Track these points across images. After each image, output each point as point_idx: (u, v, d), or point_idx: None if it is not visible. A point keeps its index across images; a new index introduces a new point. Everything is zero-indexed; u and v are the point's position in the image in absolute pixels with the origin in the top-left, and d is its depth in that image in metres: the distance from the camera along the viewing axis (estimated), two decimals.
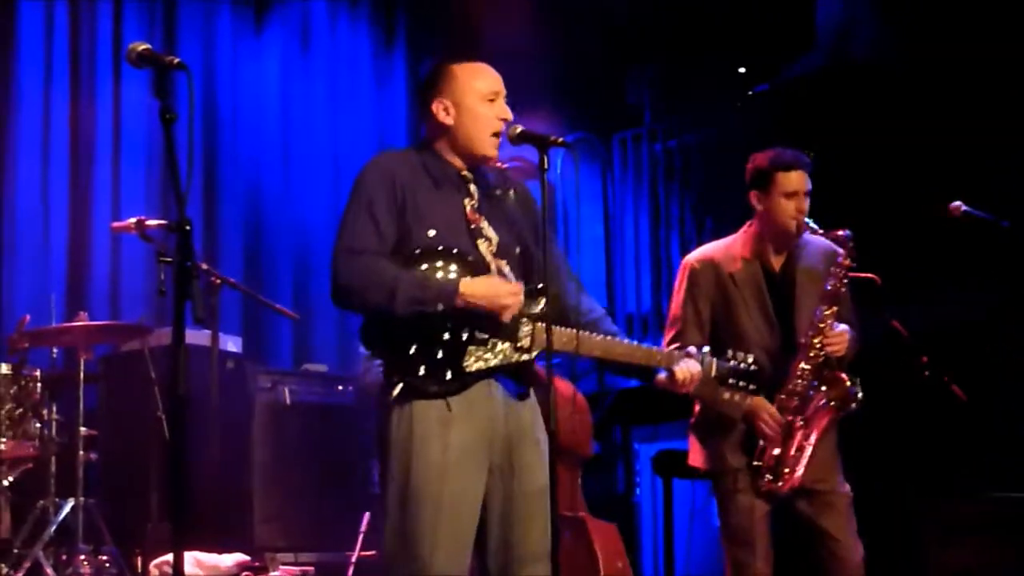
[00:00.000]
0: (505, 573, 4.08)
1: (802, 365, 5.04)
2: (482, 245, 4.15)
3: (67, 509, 6.54)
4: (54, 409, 6.78)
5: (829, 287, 5.07)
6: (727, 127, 9.33)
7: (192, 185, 3.47)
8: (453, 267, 4.05)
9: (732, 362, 4.40)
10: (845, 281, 5.08)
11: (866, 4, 8.40)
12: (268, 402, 7.38)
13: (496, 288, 4.01)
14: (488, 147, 4.20)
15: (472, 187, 4.22)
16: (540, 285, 4.11)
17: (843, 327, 5.07)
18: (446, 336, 3.99)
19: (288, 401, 7.42)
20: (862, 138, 5.39)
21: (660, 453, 6.41)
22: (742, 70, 9.40)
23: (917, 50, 7.90)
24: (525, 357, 4.09)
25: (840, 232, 5.06)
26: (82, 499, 6.58)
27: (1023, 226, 5.50)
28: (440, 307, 3.95)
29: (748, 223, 5.29)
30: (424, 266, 4.03)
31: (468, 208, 4.18)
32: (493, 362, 4.05)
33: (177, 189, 3.42)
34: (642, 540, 8.20)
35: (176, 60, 3.52)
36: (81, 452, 6.67)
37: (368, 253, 4.02)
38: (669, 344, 5.14)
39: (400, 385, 3.98)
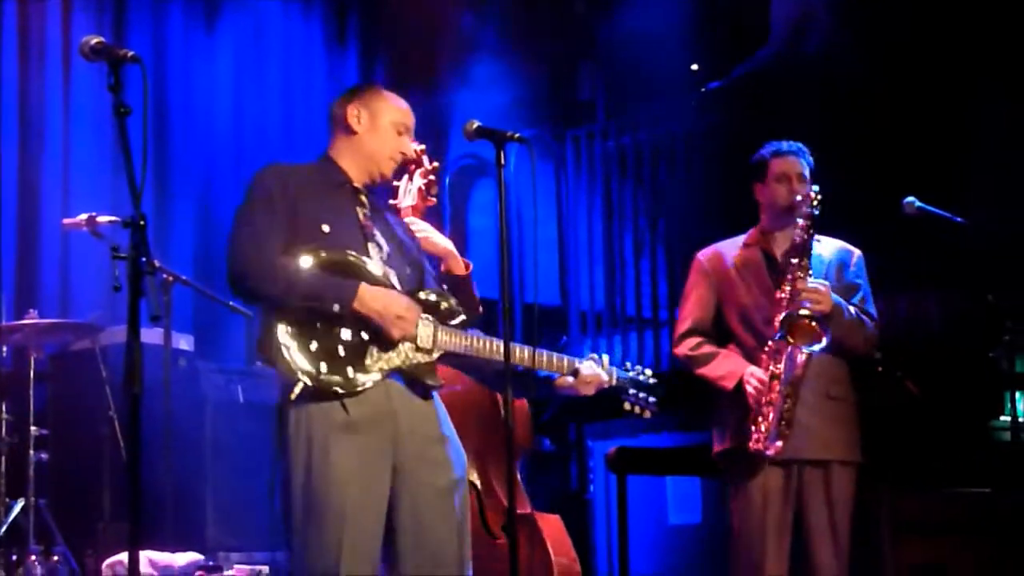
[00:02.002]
0: (420, 574, 4.04)
1: (778, 319, 5.05)
2: (372, 250, 4.17)
3: (17, 509, 6.48)
4: (3, 408, 6.71)
5: (796, 239, 5.11)
6: (680, 124, 9.36)
7: (144, 181, 3.44)
8: (347, 264, 4.07)
9: (631, 373, 4.46)
10: (811, 232, 5.09)
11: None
12: (221, 400, 7.33)
13: (393, 300, 4.03)
14: (386, 166, 4.28)
15: (363, 198, 4.27)
16: (443, 287, 4.25)
17: (822, 282, 5.08)
18: (347, 336, 3.99)
19: (241, 399, 7.38)
20: (816, 134, 5.42)
21: (614, 450, 6.41)
22: (695, 67, 9.43)
23: (871, 44, 7.94)
24: (426, 358, 4.10)
25: (811, 187, 5.15)
26: (32, 499, 6.52)
27: (980, 222, 5.54)
28: (337, 307, 3.95)
29: (758, 225, 5.39)
30: (317, 259, 4.02)
31: (360, 215, 4.22)
32: (395, 362, 4.05)
33: (131, 185, 3.39)
34: (595, 537, 8.20)
35: (130, 53, 3.51)
36: (31, 452, 6.61)
37: (267, 246, 4.03)
38: (682, 335, 5.32)
39: (300, 385, 3.95)
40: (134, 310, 3.37)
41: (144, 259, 3.37)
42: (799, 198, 5.14)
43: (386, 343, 4.02)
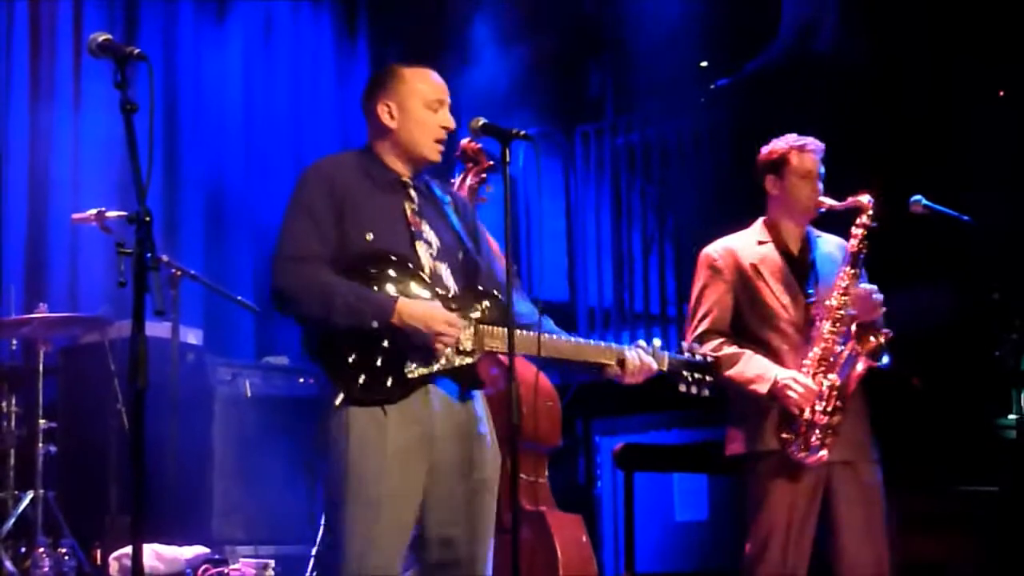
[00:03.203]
0: (448, 572, 4.08)
1: (827, 328, 5.01)
2: (421, 248, 4.13)
3: (26, 502, 6.52)
4: (13, 401, 6.75)
5: (849, 247, 5.08)
6: (689, 121, 9.37)
7: (153, 176, 3.45)
8: (391, 271, 4.04)
9: (686, 355, 4.40)
10: (866, 242, 5.06)
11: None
12: (228, 395, 7.36)
13: (433, 314, 3.98)
14: (430, 152, 4.20)
15: (412, 192, 4.22)
16: (480, 287, 4.14)
17: (871, 287, 5.04)
18: (386, 343, 3.98)
19: (249, 394, 7.40)
20: (824, 131, 5.40)
21: (622, 446, 6.42)
22: (704, 64, 9.43)
23: (880, 44, 7.93)
24: (468, 360, 4.09)
25: (862, 196, 5.10)
26: (41, 492, 6.55)
27: (987, 222, 5.53)
28: (375, 324, 3.94)
29: (763, 217, 5.31)
30: (362, 270, 4.02)
31: (408, 211, 4.17)
32: (435, 367, 4.04)
33: (138, 180, 3.41)
34: (603, 534, 8.21)
35: (137, 51, 3.51)
36: (40, 445, 6.64)
37: (309, 260, 4.01)
38: (701, 336, 5.15)
39: (340, 396, 3.97)
40: (139, 305, 3.39)
41: (149, 255, 3.38)
42: (821, 200, 5.11)
43: (426, 352, 4.00)
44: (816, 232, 5.27)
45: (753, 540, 5.12)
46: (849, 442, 5.07)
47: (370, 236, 4.05)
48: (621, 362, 4.26)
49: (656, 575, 7.49)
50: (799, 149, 5.18)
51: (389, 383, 3.97)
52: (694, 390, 4.41)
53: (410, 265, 4.07)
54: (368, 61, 9.90)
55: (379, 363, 3.98)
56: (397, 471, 3.97)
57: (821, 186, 5.17)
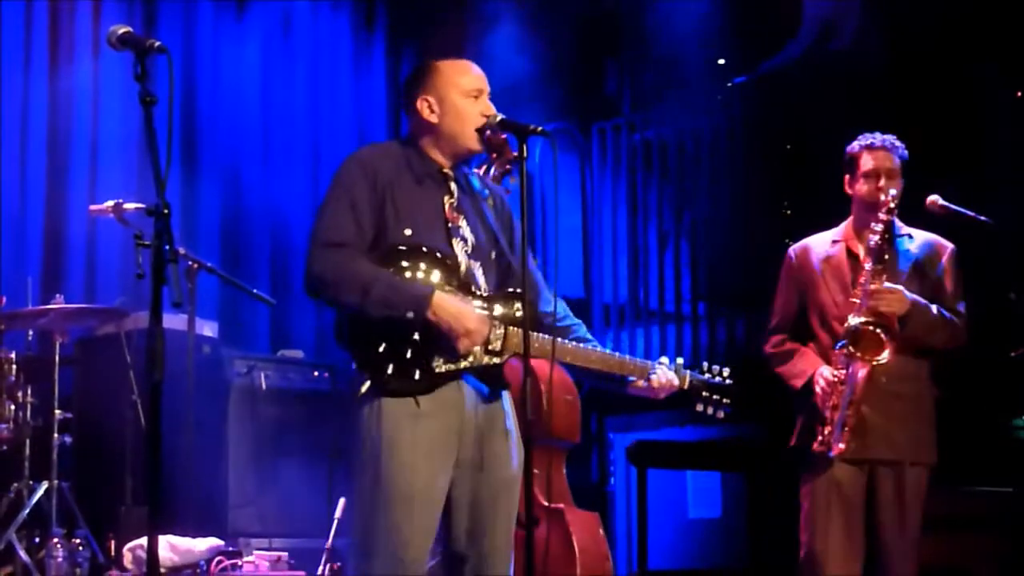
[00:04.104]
0: (470, 563, 4.10)
1: (846, 325, 5.06)
2: (457, 245, 4.14)
3: (41, 492, 6.52)
4: (29, 392, 6.76)
5: (872, 243, 5.09)
6: (706, 118, 9.35)
7: (171, 169, 3.46)
8: (424, 265, 4.05)
9: (706, 375, 4.43)
10: (886, 236, 5.08)
11: None
12: (244, 387, 7.36)
13: (465, 313, 3.99)
14: (472, 142, 4.20)
15: (453, 185, 4.23)
16: (514, 289, 4.13)
17: (895, 286, 5.05)
18: (416, 336, 3.98)
19: (264, 387, 7.41)
20: (842, 130, 5.40)
21: (635, 443, 6.42)
22: (722, 61, 9.41)
23: (901, 43, 7.91)
24: (496, 360, 4.09)
25: (889, 192, 5.11)
26: (56, 482, 6.56)
27: (1005, 222, 5.51)
28: (411, 315, 3.94)
29: (851, 217, 5.36)
30: (397, 263, 4.03)
31: (447, 206, 4.18)
32: (463, 364, 4.04)
33: (156, 173, 3.41)
34: (616, 530, 8.21)
35: (156, 43, 3.52)
36: (56, 435, 6.65)
37: (346, 247, 4.01)
38: (769, 332, 5.37)
39: (367, 384, 3.98)
40: (157, 298, 3.39)
41: (167, 247, 3.39)
42: (884, 197, 5.11)
43: (454, 349, 4.00)
44: (905, 230, 5.27)
45: (801, 534, 5.19)
46: (888, 441, 5.10)
47: (408, 231, 4.07)
48: (648, 381, 4.29)
49: (669, 572, 7.49)
50: (868, 147, 5.24)
51: (417, 375, 3.98)
52: (711, 410, 4.44)
53: (447, 262, 4.08)
54: (385, 55, 9.90)
55: (408, 355, 3.98)
56: (429, 465, 3.99)
57: (895, 182, 5.16)
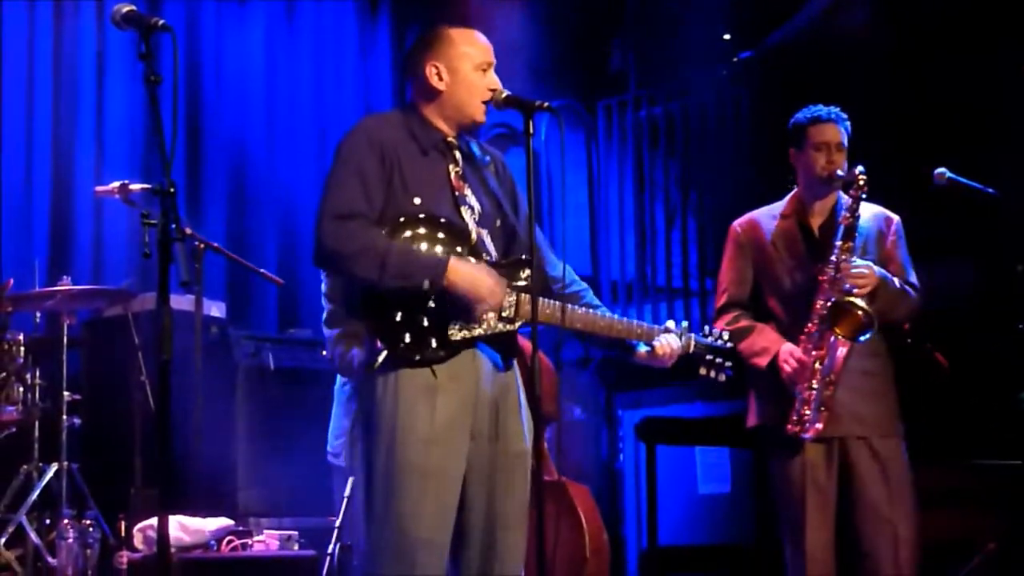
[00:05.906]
0: (486, 537, 4.09)
1: (820, 303, 5.00)
2: (465, 213, 4.14)
3: (50, 474, 6.54)
4: (37, 374, 6.77)
5: (841, 220, 5.04)
6: (712, 94, 9.34)
7: (176, 149, 3.46)
8: (436, 234, 4.04)
9: (709, 339, 4.42)
10: (857, 214, 5.02)
11: None
12: (252, 367, 7.37)
13: (481, 279, 4.00)
14: (478, 113, 4.20)
15: (457, 154, 4.22)
16: (523, 256, 4.12)
17: (866, 262, 5.01)
18: (431, 304, 3.98)
19: (272, 366, 7.42)
20: (848, 104, 5.38)
21: (643, 420, 6.43)
22: (727, 37, 9.39)
23: (907, 18, 7.89)
24: (509, 327, 4.09)
25: (856, 168, 5.05)
26: (65, 464, 6.58)
27: (1012, 194, 5.49)
28: (427, 284, 3.94)
29: (795, 189, 5.30)
30: (408, 233, 4.02)
31: (453, 175, 4.18)
32: (477, 331, 4.04)
33: (162, 152, 3.41)
34: (626, 507, 8.22)
35: (161, 22, 3.51)
36: (64, 417, 6.67)
37: (357, 218, 3.99)
38: (720, 309, 5.27)
39: (384, 354, 3.97)
40: (164, 277, 3.39)
41: (174, 226, 3.39)
42: (839, 172, 5.08)
43: (469, 316, 4.00)
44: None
45: (780, 512, 5.16)
46: (856, 418, 5.06)
47: (417, 200, 4.06)
48: (651, 348, 4.28)
49: (679, 547, 7.50)
50: (815, 120, 5.18)
51: (434, 344, 3.98)
52: (712, 373, 4.42)
53: (457, 231, 4.08)
54: (390, 36, 9.88)
55: (425, 323, 3.98)
56: (447, 440, 3.98)
57: (843, 154, 5.13)
